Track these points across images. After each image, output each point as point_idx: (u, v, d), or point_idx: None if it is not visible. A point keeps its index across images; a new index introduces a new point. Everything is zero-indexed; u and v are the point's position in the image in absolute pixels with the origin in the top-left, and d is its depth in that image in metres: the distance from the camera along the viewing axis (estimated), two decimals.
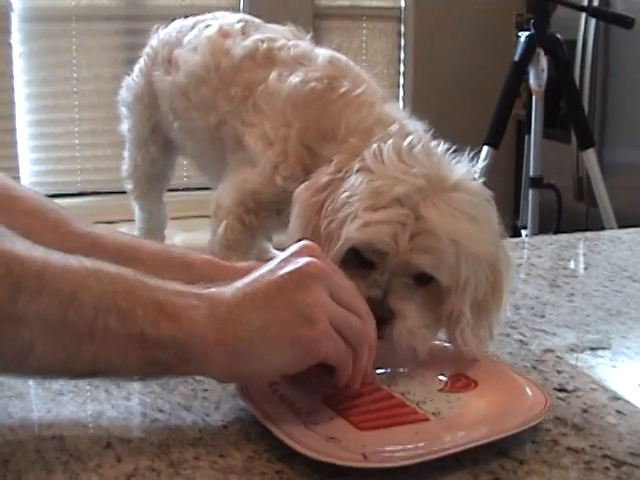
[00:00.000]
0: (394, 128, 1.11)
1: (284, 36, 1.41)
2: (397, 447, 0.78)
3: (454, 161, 1.01)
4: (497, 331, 1.01)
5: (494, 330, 1.00)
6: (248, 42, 1.40)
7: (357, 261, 0.96)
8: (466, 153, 1.04)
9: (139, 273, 0.79)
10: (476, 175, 1.02)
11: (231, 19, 1.53)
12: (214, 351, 0.77)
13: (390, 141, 1.00)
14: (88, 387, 0.91)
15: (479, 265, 0.95)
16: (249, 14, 1.62)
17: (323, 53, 1.34)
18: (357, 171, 0.99)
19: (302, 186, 1.08)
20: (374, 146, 0.99)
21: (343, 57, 1.36)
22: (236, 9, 4.55)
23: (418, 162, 0.97)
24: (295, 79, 1.27)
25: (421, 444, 0.78)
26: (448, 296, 0.95)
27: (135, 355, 0.76)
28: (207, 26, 1.54)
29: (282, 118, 1.27)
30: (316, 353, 0.79)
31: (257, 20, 1.52)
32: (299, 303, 0.78)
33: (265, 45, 1.38)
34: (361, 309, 0.83)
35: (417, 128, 1.17)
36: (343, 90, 1.24)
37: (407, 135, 1.04)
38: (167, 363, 0.78)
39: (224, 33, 1.46)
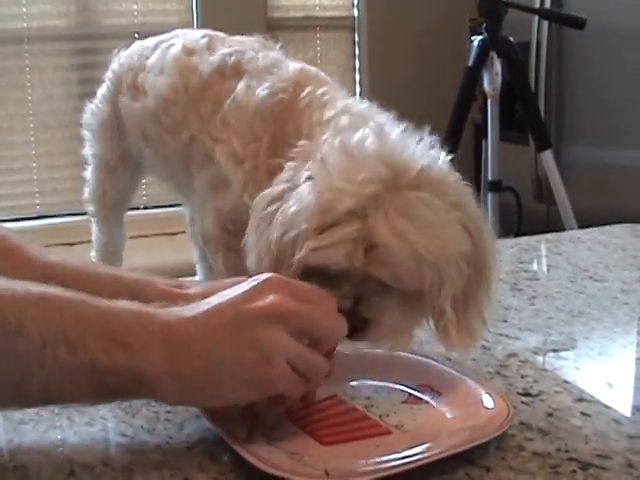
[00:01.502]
0: (344, 121, 1.08)
1: (252, 48, 1.39)
2: (359, 462, 0.77)
3: (414, 147, 0.96)
4: (490, 315, 0.99)
5: (486, 315, 0.97)
6: (215, 57, 1.38)
7: (321, 274, 0.92)
8: (426, 132, 0.99)
9: (91, 297, 0.78)
10: (440, 158, 0.98)
11: (194, 35, 1.51)
12: (168, 381, 0.77)
13: (337, 140, 0.95)
14: (50, 415, 0.89)
15: (448, 265, 0.90)
16: (202, 27, 1.61)
17: (294, 64, 1.32)
18: (305, 180, 0.95)
19: (259, 196, 1.04)
20: (323, 148, 0.96)
21: (313, 68, 1.34)
22: (189, 23, 4.54)
23: (368, 162, 0.91)
24: (263, 92, 1.25)
25: (383, 458, 0.78)
26: (422, 298, 0.91)
27: (87, 383, 0.75)
28: (170, 46, 1.51)
29: (251, 133, 1.24)
30: (272, 391, 0.79)
31: (221, 34, 1.49)
32: (260, 342, 0.78)
33: (233, 58, 1.35)
34: (324, 338, 0.83)
35: (372, 114, 1.14)
36: (306, 92, 1.22)
37: (359, 127, 0.99)
38: (120, 389, 0.77)
39: (189, 51, 1.44)
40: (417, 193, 0.91)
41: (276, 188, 1.01)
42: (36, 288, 0.76)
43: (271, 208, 0.99)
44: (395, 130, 1.01)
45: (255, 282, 0.83)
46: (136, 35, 4.24)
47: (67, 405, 0.86)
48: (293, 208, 0.94)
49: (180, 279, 1.02)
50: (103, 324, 0.76)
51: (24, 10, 4.36)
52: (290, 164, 1.02)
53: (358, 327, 0.91)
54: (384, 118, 1.12)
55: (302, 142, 1.05)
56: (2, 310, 0.72)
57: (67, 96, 4.41)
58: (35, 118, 4.44)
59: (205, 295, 0.84)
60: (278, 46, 1.41)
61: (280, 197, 0.99)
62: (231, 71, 1.34)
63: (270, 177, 1.14)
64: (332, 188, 0.90)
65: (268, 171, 1.16)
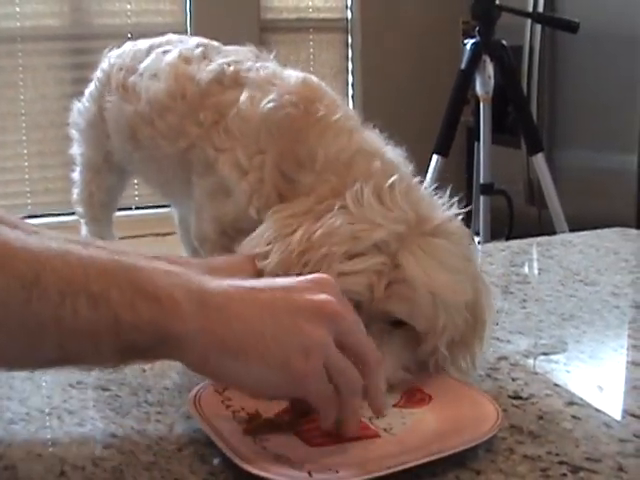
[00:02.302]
0: (376, 166, 1.09)
1: (248, 58, 1.38)
2: (344, 464, 0.77)
3: (435, 202, 1.02)
4: (480, 363, 1.01)
5: (477, 361, 0.99)
6: (213, 66, 1.37)
7: None
8: (447, 192, 1.04)
9: (116, 252, 0.75)
10: (456, 217, 1.01)
11: (189, 44, 1.50)
12: (197, 336, 0.73)
13: (372, 181, 0.99)
14: (40, 415, 0.89)
15: (457, 312, 0.94)
16: (196, 29, 1.60)
17: (295, 74, 1.31)
18: (338, 209, 0.97)
19: (278, 207, 1.06)
20: (356, 186, 0.99)
21: (315, 78, 1.33)
22: (182, 24, 4.54)
23: (398, 205, 0.96)
24: (269, 104, 1.24)
25: (370, 460, 0.78)
26: (425, 339, 0.94)
27: (108, 341, 0.72)
28: (165, 52, 1.50)
29: (256, 145, 1.23)
30: (300, 387, 0.77)
31: (215, 43, 1.48)
32: (303, 333, 0.76)
33: (232, 68, 1.34)
34: (367, 355, 0.81)
35: (399, 161, 1.15)
36: (320, 115, 1.21)
37: (389, 173, 1.02)
38: (143, 348, 0.73)
39: (185, 59, 1.43)
40: (440, 240, 0.96)
41: (300, 206, 1.03)
42: (56, 242, 0.72)
43: (291, 220, 1.02)
44: (422, 186, 1.06)
45: (314, 277, 0.82)
46: (129, 35, 4.25)
47: (84, 366, 0.83)
48: (323, 230, 0.96)
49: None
50: (131, 278, 0.72)
51: (17, 9, 4.37)
52: (319, 190, 1.04)
53: None
54: (401, 159, 1.14)
55: (332, 176, 1.07)
56: (17, 260, 0.68)
57: (60, 96, 4.40)
58: (27, 117, 4.44)
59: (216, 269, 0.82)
60: (272, 56, 1.40)
61: (304, 214, 1.01)
62: (230, 81, 1.33)
63: (275, 189, 1.14)
64: (364, 220, 0.94)
65: (275, 187, 1.16)
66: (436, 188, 1.05)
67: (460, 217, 1.02)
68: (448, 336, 0.94)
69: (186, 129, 1.33)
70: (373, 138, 1.18)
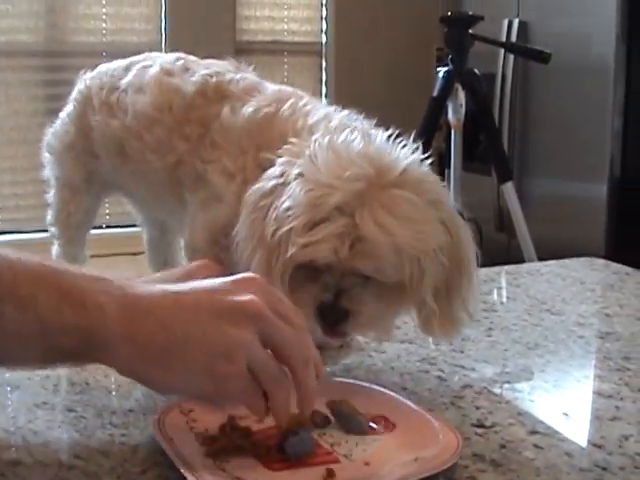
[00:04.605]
0: (334, 123, 1.12)
1: (228, 69, 1.40)
2: None
3: (396, 149, 1.03)
4: (475, 307, 1.04)
5: (470, 306, 1.02)
6: (196, 78, 1.38)
7: (307, 267, 0.98)
8: (411, 138, 1.05)
9: (46, 259, 0.76)
10: (420, 159, 1.03)
11: (168, 58, 1.51)
12: (121, 343, 0.75)
13: (326, 139, 1.02)
14: (3, 435, 0.89)
15: (428, 259, 0.97)
16: (171, 49, 1.60)
17: (272, 86, 1.34)
18: (296, 177, 1.00)
19: (250, 191, 1.08)
20: (311, 147, 1.01)
21: (291, 88, 1.35)
22: (157, 43, 4.55)
23: (355, 161, 0.98)
24: (248, 109, 1.26)
25: None
26: (402, 290, 0.97)
27: (36, 343, 0.74)
28: (146, 66, 1.51)
29: (238, 149, 1.25)
30: (222, 390, 0.79)
31: (192, 57, 1.50)
32: (226, 337, 0.77)
33: (214, 79, 1.36)
34: (291, 354, 0.81)
35: (356, 120, 1.17)
36: (288, 104, 1.24)
37: (345, 128, 1.06)
38: (70, 351, 0.75)
39: (167, 72, 1.44)
40: (399, 191, 0.97)
41: (267, 183, 1.05)
42: None
43: (263, 203, 1.04)
44: (380, 134, 1.07)
45: (239, 277, 0.82)
46: (104, 54, 4.25)
47: (14, 367, 0.84)
48: (285, 204, 0.99)
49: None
50: (59, 283, 0.74)
51: None
52: (281, 159, 1.06)
53: (340, 318, 0.97)
54: (367, 124, 1.17)
55: (291, 140, 1.10)
56: None
57: (33, 112, 4.40)
58: None
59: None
60: (251, 68, 1.42)
61: (272, 192, 1.03)
62: (213, 93, 1.34)
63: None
64: (321, 185, 0.97)
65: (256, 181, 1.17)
66: (398, 135, 1.06)
67: (426, 159, 1.04)
68: (427, 285, 0.97)
69: (173, 143, 1.34)
70: (338, 109, 1.20)
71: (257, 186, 1.07)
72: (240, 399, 0.80)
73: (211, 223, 1.28)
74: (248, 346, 0.78)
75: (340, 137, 1.02)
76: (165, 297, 0.78)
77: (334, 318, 0.97)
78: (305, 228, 0.96)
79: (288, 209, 0.98)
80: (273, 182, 1.04)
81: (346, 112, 1.21)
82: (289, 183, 1.01)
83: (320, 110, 1.21)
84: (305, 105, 1.23)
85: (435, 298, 0.99)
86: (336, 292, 0.97)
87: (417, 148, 1.05)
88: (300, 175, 1.00)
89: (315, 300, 0.97)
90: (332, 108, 1.23)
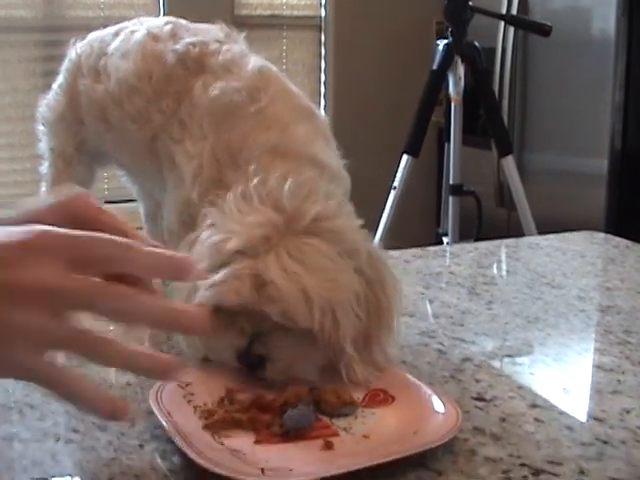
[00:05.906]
0: (274, 164, 1.07)
1: (216, 38, 1.36)
2: (299, 462, 0.78)
3: (315, 195, 0.99)
4: (394, 353, 0.99)
5: (389, 353, 0.98)
6: (179, 46, 1.35)
7: (225, 311, 0.94)
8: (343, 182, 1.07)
9: None
10: (349, 214, 1.02)
11: (157, 22, 1.49)
12: None
13: (240, 189, 0.99)
14: (1, 409, 0.89)
15: (341, 309, 0.93)
16: None
17: (254, 61, 1.29)
18: (208, 227, 0.99)
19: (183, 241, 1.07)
20: (227, 197, 1.00)
21: (274, 68, 1.31)
22: (156, 17, 4.53)
23: (260, 208, 0.96)
24: (215, 91, 1.23)
25: (325, 460, 0.78)
26: (319, 339, 0.93)
27: None
28: (133, 31, 1.49)
29: (200, 131, 1.23)
30: (37, 379, 0.72)
31: (183, 21, 1.47)
32: (18, 329, 0.69)
33: (197, 49, 1.32)
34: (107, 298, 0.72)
35: (321, 159, 1.13)
36: (261, 105, 1.20)
37: (282, 171, 1.02)
38: None
39: (154, 37, 1.41)
40: (309, 239, 0.94)
41: (191, 235, 1.04)
42: None
43: (190, 239, 1.03)
44: (307, 174, 1.04)
45: (31, 236, 0.71)
46: (102, 28, 4.22)
47: None
48: (196, 246, 0.99)
49: None
50: None
51: None
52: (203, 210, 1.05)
53: (254, 364, 0.93)
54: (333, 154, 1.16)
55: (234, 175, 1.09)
56: None
57: (31, 88, 4.37)
58: None
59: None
60: (242, 37, 1.39)
61: (193, 242, 1.02)
62: (193, 63, 1.31)
63: (211, 178, 1.14)
64: (225, 229, 0.95)
65: (210, 175, 1.16)
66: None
67: (352, 214, 1.03)
68: (344, 335, 0.93)
69: (151, 116, 1.33)
70: (307, 134, 1.17)
71: (186, 237, 1.05)
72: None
73: (177, 204, 1.27)
74: (43, 331, 0.70)
75: (256, 183, 0.99)
76: None
77: (248, 364, 0.93)
78: (210, 270, 0.93)
79: (198, 252, 0.97)
80: (195, 234, 1.03)
81: (319, 144, 1.17)
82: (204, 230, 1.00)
83: (286, 131, 1.15)
84: (275, 113, 1.17)
85: (354, 346, 0.95)
86: (252, 337, 0.93)
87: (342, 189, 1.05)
88: (211, 225, 0.99)
89: (232, 345, 0.94)
90: (302, 127, 1.18)
